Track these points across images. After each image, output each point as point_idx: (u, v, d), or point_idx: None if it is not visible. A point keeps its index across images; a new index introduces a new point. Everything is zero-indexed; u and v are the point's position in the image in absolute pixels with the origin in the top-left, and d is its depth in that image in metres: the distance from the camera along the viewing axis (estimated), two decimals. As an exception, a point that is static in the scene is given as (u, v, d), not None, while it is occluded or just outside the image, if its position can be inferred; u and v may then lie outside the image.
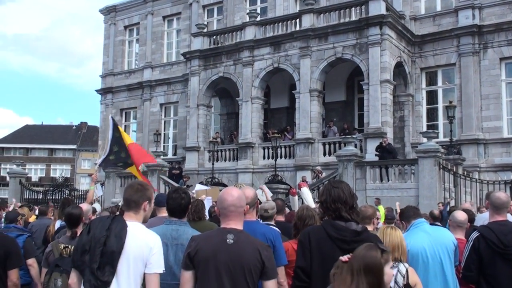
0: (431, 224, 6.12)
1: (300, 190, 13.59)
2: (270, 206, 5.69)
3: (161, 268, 3.57)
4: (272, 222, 5.63)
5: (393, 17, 21.52)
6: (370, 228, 4.92)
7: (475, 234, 4.90)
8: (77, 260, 3.54)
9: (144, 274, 3.53)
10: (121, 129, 8.93)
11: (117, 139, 8.46)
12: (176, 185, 21.89)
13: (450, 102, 20.98)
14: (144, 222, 3.80)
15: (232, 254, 3.38)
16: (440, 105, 23.03)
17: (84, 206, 6.25)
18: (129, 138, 8.85)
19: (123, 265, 3.48)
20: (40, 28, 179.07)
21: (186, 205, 4.56)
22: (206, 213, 7.49)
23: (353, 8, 22.18)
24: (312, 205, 8.37)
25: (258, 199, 5.42)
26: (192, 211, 5.96)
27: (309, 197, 11.09)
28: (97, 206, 15.68)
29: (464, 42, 22.31)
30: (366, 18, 21.12)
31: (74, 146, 71.86)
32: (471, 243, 4.87)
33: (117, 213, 7.71)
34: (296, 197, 15.63)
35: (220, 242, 3.43)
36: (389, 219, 10.07)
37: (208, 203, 13.87)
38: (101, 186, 22.77)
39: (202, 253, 3.42)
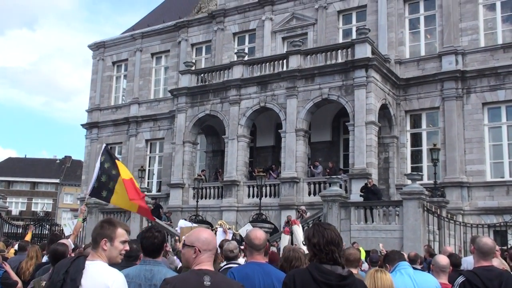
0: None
1: (293, 227, 13.51)
2: (234, 246, 5.64)
3: None
4: (239, 262, 5.60)
5: (379, 60, 21.91)
6: (355, 271, 4.88)
7: (461, 279, 4.89)
8: None
9: None
10: (119, 162, 8.56)
11: (107, 169, 8.20)
12: (159, 222, 21.66)
13: (434, 145, 21.22)
14: (112, 261, 3.67)
15: None
16: (425, 148, 23.27)
17: (65, 241, 6.14)
18: (126, 173, 8.53)
19: None
20: (28, 62, 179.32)
21: (160, 244, 4.44)
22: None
23: (340, 51, 22.57)
24: (301, 243, 8.33)
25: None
26: None
27: (299, 236, 11.04)
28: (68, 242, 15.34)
29: (447, 86, 22.73)
30: (352, 60, 21.48)
31: (57, 180, 71.11)
32: (457, 287, 4.85)
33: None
34: (288, 236, 15.47)
35: (197, 285, 3.32)
36: (374, 262, 10.00)
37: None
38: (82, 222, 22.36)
39: None
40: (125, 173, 8.34)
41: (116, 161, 8.44)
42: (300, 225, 15.84)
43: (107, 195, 8.20)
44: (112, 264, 3.69)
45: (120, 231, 3.71)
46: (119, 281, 3.54)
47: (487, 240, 5.11)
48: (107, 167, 8.23)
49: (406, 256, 8.18)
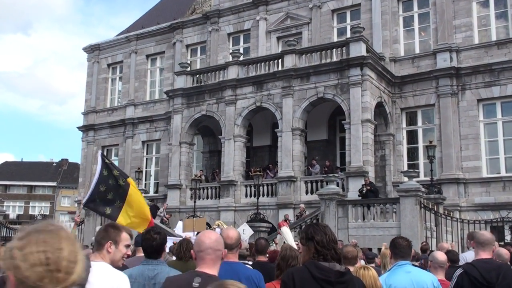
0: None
1: (280, 229, 13.54)
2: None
3: None
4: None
5: (373, 58, 21.97)
6: (351, 269, 4.91)
7: (459, 271, 4.97)
8: None
9: None
10: (132, 181, 7.90)
11: (105, 178, 7.68)
12: (158, 223, 21.65)
13: (430, 142, 21.29)
14: (115, 264, 3.71)
15: None
16: (421, 145, 23.34)
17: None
18: (139, 196, 8.06)
19: None
20: (23, 66, 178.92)
21: (159, 245, 4.51)
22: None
23: (334, 50, 22.63)
24: (293, 244, 8.35)
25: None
26: (184, 250, 5.95)
27: (289, 237, 11.06)
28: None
29: (442, 83, 22.81)
30: (347, 59, 21.54)
31: (54, 183, 70.96)
32: (455, 279, 4.92)
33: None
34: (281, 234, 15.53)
35: (185, 285, 3.35)
36: (369, 258, 10.04)
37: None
38: (78, 225, 22.30)
39: None
40: (136, 195, 7.91)
41: (131, 183, 7.82)
42: (287, 226, 15.91)
43: (111, 213, 7.79)
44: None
45: (124, 235, 3.78)
46: (126, 284, 3.58)
47: (485, 232, 5.25)
48: (112, 184, 7.68)
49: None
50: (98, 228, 22.53)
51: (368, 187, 19.40)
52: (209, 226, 20.67)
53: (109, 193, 7.64)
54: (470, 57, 22.84)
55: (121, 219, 7.55)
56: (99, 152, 8.54)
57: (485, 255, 5.01)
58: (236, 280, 4.44)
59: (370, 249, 12.99)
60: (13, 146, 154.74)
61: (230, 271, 4.38)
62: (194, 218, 19.63)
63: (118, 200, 7.63)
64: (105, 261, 3.66)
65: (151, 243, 4.46)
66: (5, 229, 27.32)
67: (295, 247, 6.81)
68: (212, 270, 3.44)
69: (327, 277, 3.43)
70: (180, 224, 19.42)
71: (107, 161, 7.88)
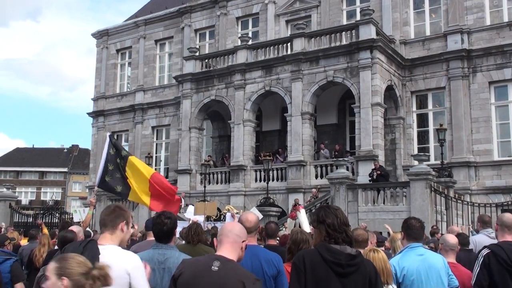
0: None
1: (300, 212, 13.59)
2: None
3: (146, 286, 3.55)
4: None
5: (383, 41, 21.77)
6: (362, 251, 4.91)
7: (485, 251, 4.97)
8: None
9: None
10: (136, 159, 8.30)
11: (112, 157, 8.04)
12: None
13: (441, 125, 21.13)
14: (123, 245, 3.73)
15: (214, 280, 3.29)
16: (431, 128, 23.19)
17: (74, 228, 6.19)
18: (148, 169, 8.24)
19: None
20: (33, 53, 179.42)
21: (170, 229, 4.52)
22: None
23: (344, 33, 22.43)
24: (307, 228, 8.37)
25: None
26: (192, 234, 5.97)
27: (305, 221, 11.08)
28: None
29: (453, 66, 22.58)
30: (356, 42, 21.35)
31: (65, 169, 71.49)
32: (482, 259, 4.92)
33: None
34: (295, 221, 15.58)
35: (204, 267, 3.35)
36: (379, 242, 10.04)
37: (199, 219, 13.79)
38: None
39: (184, 276, 3.37)
40: (146, 171, 8.16)
41: (132, 158, 8.21)
42: (303, 209, 15.93)
43: (122, 190, 8.05)
44: None
45: (131, 216, 3.82)
46: (138, 266, 3.58)
47: (510, 215, 5.20)
48: (119, 162, 8.04)
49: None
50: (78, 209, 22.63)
51: (378, 172, 19.34)
52: (219, 210, 20.77)
53: (117, 172, 7.89)
54: (481, 39, 22.56)
55: (132, 196, 7.78)
56: (108, 134, 8.71)
57: (510, 237, 5.05)
58: (256, 263, 4.46)
59: (380, 233, 12.96)
60: (24, 133, 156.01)
61: (249, 254, 4.40)
62: (206, 202, 19.69)
63: (119, 173, 7.89)
64: (115, 242, 3.66)
65: (161, 228, 4.48)
66: (17, 214, 27.63)
67: (309, 231, 6.81)
68: (231, 255, 3.44)
69: (338, 260, 3.43)
70: (190, 208, 19.48)
71: (113, 140, 8.09)
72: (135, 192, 7.96)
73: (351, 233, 3.59)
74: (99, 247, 3.57)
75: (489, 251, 4.94)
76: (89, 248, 3.50)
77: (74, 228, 6.21)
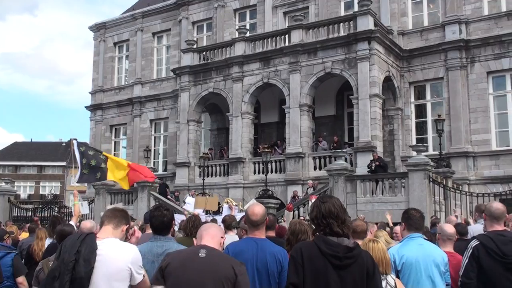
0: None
1: (311, 201, 13.72)
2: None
3: (142, 273, 3.62)
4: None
5: (381, 32, 21.72)
6: (361, 242, 4.92)
7: (474, 242, 4.93)
8: (47, 287, 3.42)
9: (132, 286, 3.53)
10: (109, 155, 9.65)
11: (83, 152, 8.98)
12: (166, 201, 21.81)
13: (439, 115, 21.12)
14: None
15: (203, 265, 3.39)
16: (429, 119, 23.19)
17: (87, 223, 6.14)
18: (122, 160, 9.46)
19: (102, 285, 3.43)
20: (30, 47, 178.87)
21: (169, 222, 4.54)
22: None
23: (342, 24, 22.38)
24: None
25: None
26: (190, 226, 5.99)
27: None
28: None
29: (451, 56, 22.55)
30: (354, 33, 21.31)
31: (63, 163, 71.39)
32: (471, 251, 4.89)
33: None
34: (291, 213, 15.69)
35: (191, 255, 3.47)
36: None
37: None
38: (89, 204, 22.52)
39: (172, 265, 3.44)
40: (120, 165, 9.14)
41: (106, 154, 9.53)
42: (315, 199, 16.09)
43: (101, 175, 9.09)
44: None
45: (130, 225, 4.04)
46: (138, 258, 3.62)
47: (498, 204, 5.14)
48: (92, 154, 9.09)
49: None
50: (108, 206, 22.82)
51: (377, 163, 19.36)
52: (219, 204, 20.79)
53: (91, 161, 8.77)
54: (479, 29, 22.51)
55: (110, 176, 8.72)
56: (75, 141, 9.40)
57: (499, 227, 5.00)
58: (261, 256, 4.52)
59: (376, 224, 12.99)
60: (22, 127, 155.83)
61: (255, 247, 4.39)
62: (207, 197, 19.67)
63: (103, 163, 8.75)
64: (115, 237, 3.70)
65: (161, 220, 4.49)
66: (16, 209, 27.63)
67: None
68: (216, 245, 3.64)
69: (335, 252, 3.43)
70: (189, 199, 19.46)
71: (82, 148, 9.22)
72: (113, 172, 9.02)
73: (343, 225, 3.55)
74: (98, 241, 3.57)
75: (478, 242, 4.90)
76: (87, 242, 3.50)
77: (87, 222, 6.12)
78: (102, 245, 3.52)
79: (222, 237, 3.70)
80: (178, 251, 3.68)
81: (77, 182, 9.05)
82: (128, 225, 3.79)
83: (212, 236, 3.64)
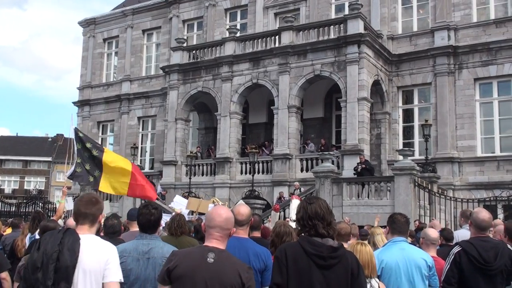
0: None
1: (292, 201, 13.72)
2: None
3: (118, 277, 3.56)
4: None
5: (371, 36, 21.83)
6: (345, 245, 4.94)
7: (456, 249, 4.96)
8: (29, 279, 3.40)
9: (103, 284, 3.51)
10: (109, 152, 8.69)
11: (79, 150, 8.31)
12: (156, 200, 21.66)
13: (426, 120, 21.28)
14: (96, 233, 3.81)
15: (211, 273, 3.33)
16: (416, 124, 23.34)
17: (73, 221, 6.12)
18: (125, 163, 8.42)
19: (80, 279, 3.43)
20: (19, 41, 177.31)
21: (157, 220, 4.52)
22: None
23: (332, 27, 22.45)
24: (291, 218, 8.45)
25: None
26: (175, 226, 5.97)
27: (293, 210, 11.20)
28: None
29: (439, 62, 22.72)
30: (344, 36, 21.38)
31: (49, 158, 70.84)
32: (452, 257, 4.92)
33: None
34: (278, 213, 15.68)
35: (200, 260, 3.38)
36: (363, 235, 10.11)
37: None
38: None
39: (180, 269, 3.37)
40: (124, 163, 8.40)
41: (105, 149, 8.57)
42: (299, 200, 16.01)
43: (94, 181, 8.34)
44: None
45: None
46: (115, 254, 3.63)
47: (485, 215, 5.10)
48: (87, 156, 8.32)
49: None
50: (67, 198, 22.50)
51: (363, 165, 19.45)
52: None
53: (85, 164, 8.18)
54: (468, 36, 22.71)
55: (103, 187, 8.00)
56: (73, 127, 8.81)
57: (481, 234, 5.02)
58: (244, 256, 4.49)
59: (362, 227, 13.06)
60: (8, 121, 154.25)
61: (239, 246, 4.43)
62: (201, 199, 19.58)
63: (97, 170, 8.13)
64: (92, 233, 3.70)
65: (149, 218, 4.47)
66: (0, 203, 27.38)
67: (293, 222, 6.86)
68: (221, 245, 3.50)
69: (320, 252, 3.45)
70: (178, 197, 19.35)
71: (80, 134, 8.38)
72: (108, 184, 8.15)
73: (328, 227, 3.56)
74: (80, 235, 3.57)
75: (460, 248, 4.93)
76: (69, 235, 3.50)
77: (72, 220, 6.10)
78: (83, 240, 3.53)
79: (231, 230, 3.59)
80: (186, 252, 3.57)
81: (68, 177, 8.68)
82: (102, 212, 3.79)
83: (221, 234, 3.53)
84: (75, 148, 8.26)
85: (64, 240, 3.46)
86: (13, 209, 26.90)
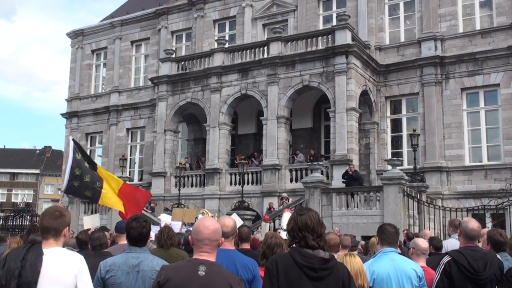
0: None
1: (284, 214, 13.73)
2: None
3: (91, 287, 3.59)
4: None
5: (359, 46, 21.98)
6: (339, 256, 4.94)
7: (446, 258, 4.97)
8: None
9: None
10: (102, 168, 8.30)
11: (80, 161, 7.90)
12: (143, 212, 21.52)
13: (414, 130, 21.40)
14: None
15: (203, 286, 3.30)
16: (404, 133, 23.47)
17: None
18: (115, 180, 8.12)
19: None
20: (6, 52, 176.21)
21: (147, 233, 4.52)
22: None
23: (320, 37, 22.58)
24: (282, 229, 8.43)
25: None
26: (165, 238, 5.94)
27: (284, 222, 11.20)
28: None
29: (427, 72, 22.91)
30: (332, 47, 21.52)
31: (37, 171, 70.30)
32: (442, 266, 4.93)
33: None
34: (268, 224, 15.64)
35: (191, 274, 3.34)
36: (352, 246, 10.12)
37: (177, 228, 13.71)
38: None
39: (171, 283, 3.33)
40: (113, 181, 8.09)
41: (99, 167, 8.21)
42: (291, 212, 16.03)
43: (92, 196, 7.97)
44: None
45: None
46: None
47: (474, 225, 5.12)
48: (87, 166, 7.96)
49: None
50: (84, 216, 22.44)
51: (351, 172, 19.50)
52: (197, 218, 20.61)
53: (85, 176, 7.78)
54: (454, 46, 22.95)
55: (104, 200, 7.70)
56: (71, 137, 8.62)
57: (471, 244, 5.04)
58: (231, 267, 4.46)
59: (354, 237, 13.09)
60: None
61: (226, 258, 4.43)
62: (185, 208, 19.49)
63: (97, 181, 7.77)
64: (58, 246, 3.67)
65: (141, 231, 4.44)
66: (-13, 216, 27.07)
67: (284, 233, 6.85)
68: (211, 257, 3.46)
69: (311, 263, 3.44)
70: (163, 216, 19.21)
71: (77, 156, 7.98)
72: (107, 196, 7.87)
73: (319, 238, 3.54)
74: (44, 249, 3.57)
75: (450, 258, 4.95)
76: (32, 250, 3.51)
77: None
78: (48, 254, 3.53)
79: (219, 241, 3.55)
80: (176, 265, 3.52)
81: (64, 192, 8.39)
82: (68, 226, 3.74)
83: (210, 246, 3.50)
84: (70, 160, 7.85)
85: (27, 256, 3.48)
86: (1, 222, 26.60)
